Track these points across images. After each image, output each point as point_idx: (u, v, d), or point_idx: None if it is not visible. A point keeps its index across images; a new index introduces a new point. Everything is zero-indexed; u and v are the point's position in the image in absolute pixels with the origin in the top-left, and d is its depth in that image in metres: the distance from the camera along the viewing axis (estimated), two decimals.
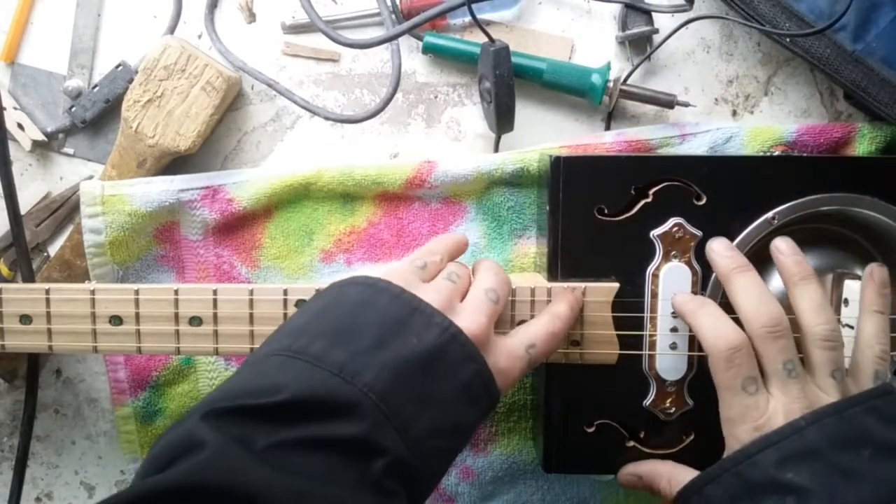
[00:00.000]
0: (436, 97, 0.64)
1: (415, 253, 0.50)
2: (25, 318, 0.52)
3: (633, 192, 0.53)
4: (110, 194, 0.59)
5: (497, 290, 0.47)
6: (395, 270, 0.46)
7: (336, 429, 0.36)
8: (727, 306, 0.49)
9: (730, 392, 0.47)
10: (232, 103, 0.63)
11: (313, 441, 0.36)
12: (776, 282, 0.52)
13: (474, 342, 0.42)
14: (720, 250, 0.51)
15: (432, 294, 0.44)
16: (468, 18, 0.62)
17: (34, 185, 0.63)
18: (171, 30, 0.63)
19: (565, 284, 0.52)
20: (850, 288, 0.52)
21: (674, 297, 0.52)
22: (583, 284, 0.52)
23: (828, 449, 0.43)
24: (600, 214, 0.53)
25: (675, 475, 0.51)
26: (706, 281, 0.53)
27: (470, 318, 0.44)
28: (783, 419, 0.45)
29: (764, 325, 0.47)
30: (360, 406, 0.37)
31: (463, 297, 0.46)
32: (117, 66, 0.62)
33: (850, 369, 0.49)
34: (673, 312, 0.53)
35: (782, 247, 0.50)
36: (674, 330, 0.53)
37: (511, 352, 0.45)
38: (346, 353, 0.39)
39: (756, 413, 0.46)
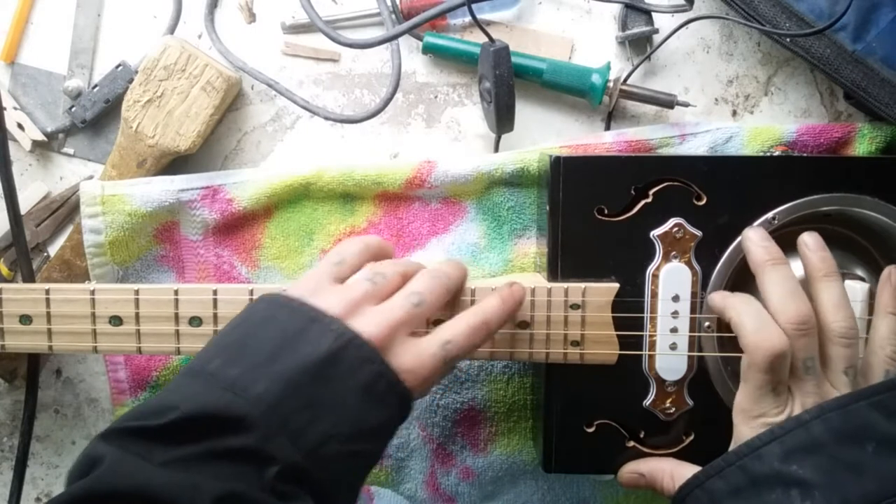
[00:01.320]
0: (436, 97, 0.64)
1: (334, 248, 0.50)
2: (25, 318, 0.52)
3: (633, 192, 0.53)
4: (110, 194, 0.59)
5: (423, 293, 0.46)
6: (308, 275, 0.47)
7: (227, 442, 0.38)
8: None
9: (759, 391, 0.47)
10: (232, 103, 0.63)
11: (207, 455, 0.38)
12: None
13: (374, 344, 0.42)
14: (756, 239, 0.51)
15: (335, 298, 0.44)
16: (468, 18, 0.62)
17: (34, 185, 0.63)
18: (171, 30, 0.63)
19: (565, 284, 0.52)
20: (851, 288, 0.52)
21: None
22: (583, 284, 0.52)
23: (832, 443, 0.44)
24: (600, 214, 0.53)
25: (677, 471, 0.51)
26: (706, 281, 0.53)
27: (372, 321, 0.43)
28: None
29: (792, 320, 0.47)
30: (248, 418, 0.38)
31: (388, 297, 0.46)
32: (117, 66, 0.62)
33: (861, 369, 0.49)
34: (673, 312, 0.53)
35: (809, 242, 0.50)
36: (674, 330, 0.53)
37: (420, 350, 0.44)
38: (241, 368, 0.40)
39: (775, 411, 0.47)
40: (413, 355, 0.44)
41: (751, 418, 0.47)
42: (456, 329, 0.46)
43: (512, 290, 0.50)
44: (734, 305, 0.50)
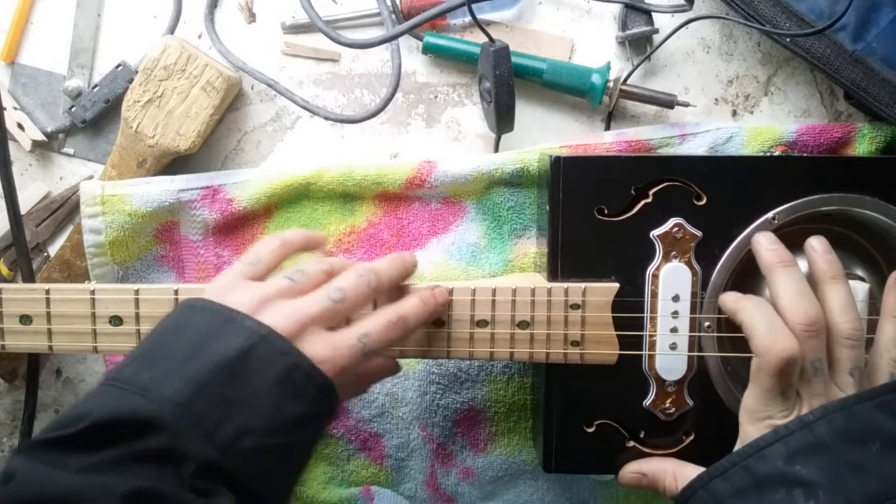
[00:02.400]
0: (436, 97, 0.64)
1: (251, 247, 0.51)
2: (25, 318, 0.52)
3: (633, 192, 0.53)
4: (110, 194, 0.59)
5: (346, 289, 0.46)
6: (223, 275, 0.48)
7: (140, 444, 0.38)
8: None
9: (767, 394, 0.47)
10: (232, 103, 0.63)
11: (122, 459, 0.38)
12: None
13: (287, 337, 0.43)
14: (766, 243, 0.51)
15: (247, 296, 0.45)
16: (468, 18, 0.62)
17: (34, 185, 0.63)
18: (171, 30, 0.63)
19: (565, 284, 0.52)
20: (851, 288, 0.52)
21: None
22: (583, 284, 0.52)
23: (836, 443, 0.44)
24: (600, 214, 0.53)
25: (680, 472, 0.51)
26: (706, 281, 0.53)
27: (282, 314, 0.44)
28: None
29: (801, 321, 0.47)
30: (159, 420, 0.39)
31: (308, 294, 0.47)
32: (117, 66, 0.62)
33: (867, 371, 0.50)
34: (673, 312, 0.53)
35: (816, 245, 0.51)
36: (674, 330, 0.53)
37: (336, 342, 0.45)
38: (153, 372, 0.41)
39: (782, 414, 0.47)
40: (328, 346, 0.44)
41: (758, 420, 0.47)
42: (374, 322, 0.47)
43: (434, 293, 0.51)
44: (746, 308, 0.50)
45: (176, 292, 0.51)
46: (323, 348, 0.44)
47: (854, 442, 0.44)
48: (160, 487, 0.37)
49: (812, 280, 0.50)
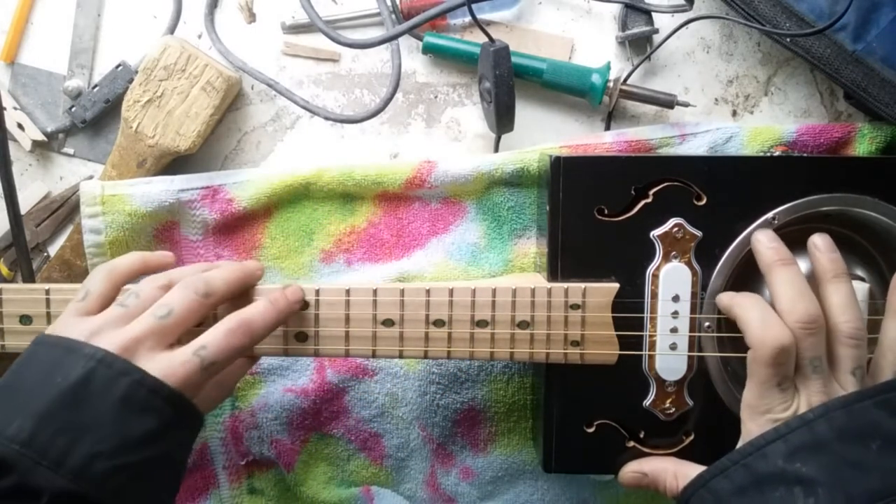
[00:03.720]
0: (436, 97, 0.64)
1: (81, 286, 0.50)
2: (25, 319, 0.52)
3: (633, 192, 0.53)
4: (110, 194, 0.59)
5: (171, 303, 0.46)
6: (61, 317, 0.48)
7: None
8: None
9: (763, 386, 0.47)
10: (232, 103, 0.63)
11: None
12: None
13: (125, 357, 0.43)
14: (765, 241, 0.51)
15: (82, 328, 0.45)
16: (468, 18, 0.62)
17: (34, 185, 0.63)
18: (171, 30, 0.63)
19: (566, 285, 0.52)
20: None
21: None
22: (583, 284, 0.52)
23: (836, 441, 0.44)
24: (600, 214, 0.53)
25: (681, 471, 0.51)
26: (706, 281, 0.53)
27: (111, 339, 0.44)
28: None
29: (800, 319, 0.47)
30: (5, 459, 0.39)
31: None
32: (117, 66, 0.62)
33: (870, 370, 0.50)
34: (673, 312, 0.53)
35: (819, 243, 0.51)
36: (674, 330, 0.53)
37: (170, 360, 0.44)
38: (0, 413, 0.41)
39: (781, 407, 0.47)
40: (162, 365, 0.44)
41: (758, 414, 0.48)
42: (211, 334, 0.46)
43: (284, 293, 0.50)
44: (740, 303, 0.50)
45: None
46: (156, 367, 0.43)
47: (854, 440, 0.44)
48: None
49: (814, 278, 0.50)
